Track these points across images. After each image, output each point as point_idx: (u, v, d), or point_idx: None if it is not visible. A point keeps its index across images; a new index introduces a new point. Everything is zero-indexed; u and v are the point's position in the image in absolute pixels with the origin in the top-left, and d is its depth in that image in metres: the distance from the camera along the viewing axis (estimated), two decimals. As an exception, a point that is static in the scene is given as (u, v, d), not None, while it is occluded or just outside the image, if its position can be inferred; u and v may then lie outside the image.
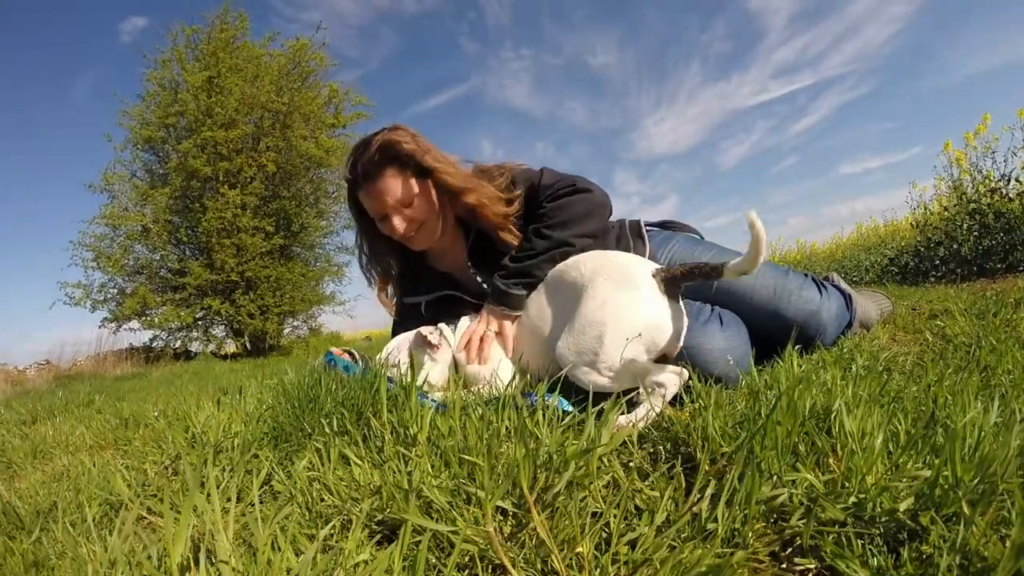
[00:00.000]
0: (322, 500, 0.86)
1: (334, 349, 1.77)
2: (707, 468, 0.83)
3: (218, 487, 0.95)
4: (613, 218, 2.01)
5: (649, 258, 1.71)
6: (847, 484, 0.74)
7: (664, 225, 2.07)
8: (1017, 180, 4.25)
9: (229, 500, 0.92)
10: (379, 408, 1.03)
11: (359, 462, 0.92)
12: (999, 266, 3.97)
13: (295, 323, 13.88)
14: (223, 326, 12.60)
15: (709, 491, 0.70)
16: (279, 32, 13.05)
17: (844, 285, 1.81)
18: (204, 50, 11.99)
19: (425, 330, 1.58)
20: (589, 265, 1.39)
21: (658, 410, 1.14)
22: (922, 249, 4.84)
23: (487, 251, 1.81)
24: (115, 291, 12.15)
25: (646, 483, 0.80)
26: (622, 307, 1.25)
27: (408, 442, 0.94)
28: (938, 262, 4.52)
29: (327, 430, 1.03)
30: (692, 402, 1.08)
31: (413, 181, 1.72)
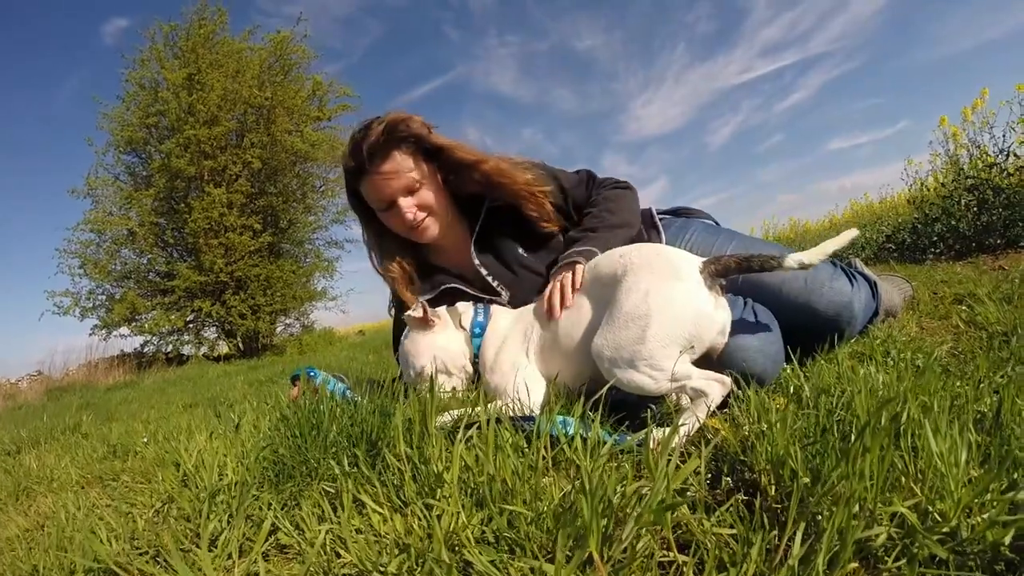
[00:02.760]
0: (338, 556, 0.77)
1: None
2: (773, 495, 0.75)
3: (215, 540, 0.86)
4: None
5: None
6: (931, 510, 0.67)
7: (677, 212, 1.99)
8: (1015, 155, 4.20)
9: (230, 557, 0.83)
10: (394, 440, 0.93)
11: (378, 508, 0.82)
12: (999, 242, 3.93)
13: (287, 321, 13.74)
14: (215, 328, 12.45)
15: (799, 535, 0.61)
16: (259, 26, 12.78)
17: (868, 272, 1.74)
18: (183, 47, 11.72)
19: (413, 312, 1.49)
20: (628, 257, 1.29)
21: (701, 421, 1.06)
22: (919, 226, 4.79)
23: (495, 236, 1.74)
24: (103, 298, 12.00)
25: (712, 518, 0.71)
26: (668, 299, 1.15)
27: (432, 483, 0.84)
28: (935, 238, 4.47)
29: (336, 470, 0.92)
30: (744, 414, 0.99)
31: (422, 164, 1.66)
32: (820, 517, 0.65)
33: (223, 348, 12.63)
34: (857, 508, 0.63)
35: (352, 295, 15.02)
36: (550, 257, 1.70)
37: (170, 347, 11.94)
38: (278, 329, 13.29)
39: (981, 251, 3.88)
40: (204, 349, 12.13)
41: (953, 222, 4.30)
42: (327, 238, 14.21)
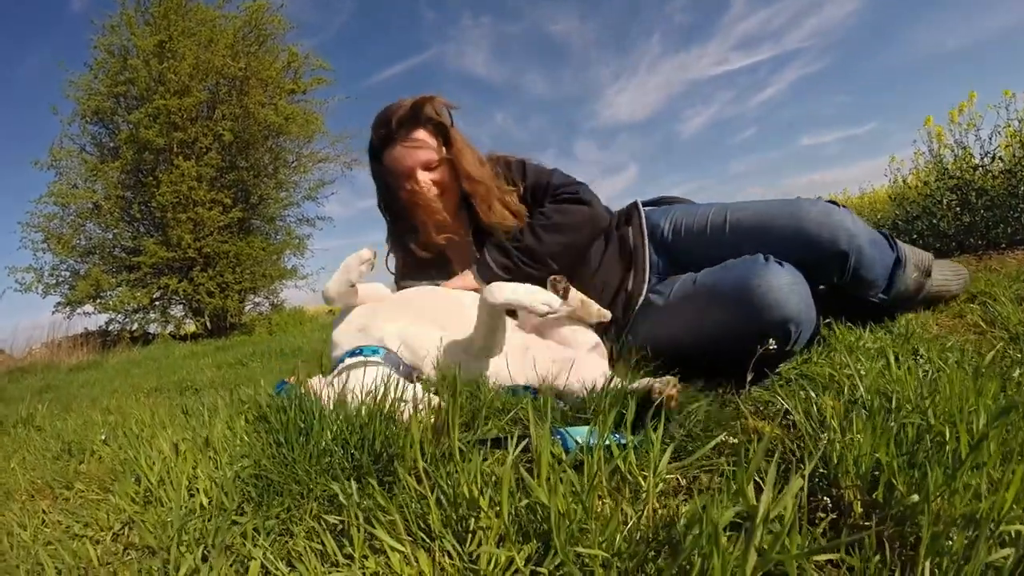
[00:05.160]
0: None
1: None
2: (859, 512, 0.66)
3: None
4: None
5: (648, 232, 1.80)
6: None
7: (659, 203, 2.05)
8: (1000, 159, 4.23)
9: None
10: (408, 452, 0.80)
11: (399, 545, 0.69)
12: (980, 242, 3.95)
13: (256, 299, 13.40)
14: (181, 305, 12.09)
15: (928, 564, 0.52)
16: (235, -5, 12.27)
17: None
18: (155, 13, 11.19)
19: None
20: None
21: None
22: (900, 223, 4.82)
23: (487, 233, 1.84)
24: (67, 274, 11.59)
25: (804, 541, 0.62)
26: None
27: (465, 510, 0.71)
28: (915, 236, 4.50)
29: (337, 491, 0.78)
30: (804, 417, 0.90)
31: (442, 149, 1.78)
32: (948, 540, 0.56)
33: (190, 327, 12.29)
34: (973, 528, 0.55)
35: (323, 274, 14.73)
36: None
37: (135, 325, 11.56)
38: (247, 308, 12.96)
39: (962, 251, 3.90)
40: (171, 327, 11.78)
41: (935, 221, 4.32)
42: (299, 215, 13.89)
